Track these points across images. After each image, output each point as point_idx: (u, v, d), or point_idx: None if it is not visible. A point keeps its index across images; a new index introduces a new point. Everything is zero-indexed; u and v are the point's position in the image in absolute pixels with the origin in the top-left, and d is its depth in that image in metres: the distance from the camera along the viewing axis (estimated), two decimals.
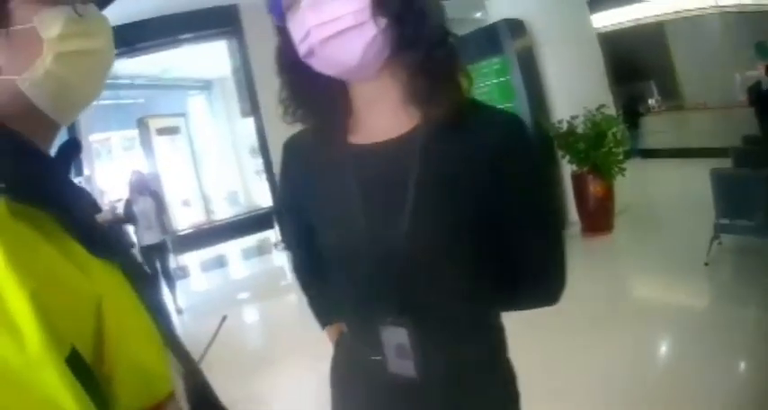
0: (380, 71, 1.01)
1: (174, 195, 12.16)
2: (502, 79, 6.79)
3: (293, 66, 1.04)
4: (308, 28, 0.94)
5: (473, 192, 1.00)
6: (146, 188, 6.91)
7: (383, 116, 1.05)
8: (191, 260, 10.21)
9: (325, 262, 1.17)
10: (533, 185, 1.06)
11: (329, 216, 1.11)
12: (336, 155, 1.08)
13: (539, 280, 1.11)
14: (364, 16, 0.93)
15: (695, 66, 11.35)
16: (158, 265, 6.83)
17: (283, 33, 1.03)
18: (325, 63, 0.98)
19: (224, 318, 2.06)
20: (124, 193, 7.04)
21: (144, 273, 0.83)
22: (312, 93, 1.07)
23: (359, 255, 1.04)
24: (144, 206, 6.69)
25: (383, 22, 0.94)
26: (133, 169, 7.35)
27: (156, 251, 6.81)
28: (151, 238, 6.73)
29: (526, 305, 1.18)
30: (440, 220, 1.00)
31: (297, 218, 1.26)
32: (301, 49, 0.98)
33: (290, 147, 1.22)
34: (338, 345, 1.28)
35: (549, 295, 1.13)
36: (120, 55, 7.86)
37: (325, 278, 1.21)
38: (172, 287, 7.06)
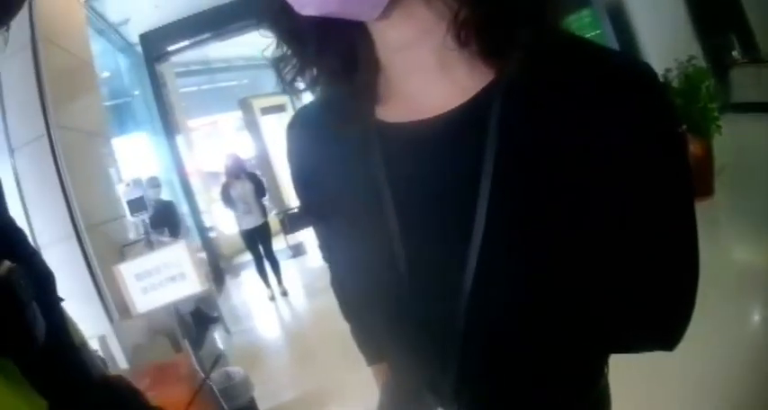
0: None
1: (285, 173, 12.23)
2: (594, 33, 6.51)
3: (284, 7, 0.60)
4: None
5: (591, 205, 0.58)
6: (242, 171, 6.74)
7: (427, 74, 0.64)
8: (307, 236, 10.04)
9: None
10: (672, 179, 0.62)
11: (348, 239, 0.75)
12: (356, 141, 0.70)
13: (661, 320, 0.70)
14: None
15: (762, 17, 10.60)
16: (261, 249, 6.74)
17: None
18: None
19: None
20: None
21: None
22: (318, 44, 0.66)
23: (393, 313, 0.70)
24: (242, 190, 6.56)
25: None
26: (228, 153, 7.08)
27: (258, 234, 6.68)
28: (251, 222, 6.61)
29: (635, 352, 0.76)
30: (532, 262, 0.60)
31: (319, 224, 0.87)
32: None
33: (294, 129, 0.83)
34: (386, 391, 0.95)
35: (675, 336, 0.70)
36: (210, 39, 8.03)
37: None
38: (276, 270, 6.84)
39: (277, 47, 0.67)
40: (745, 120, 9.48)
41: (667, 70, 5.66)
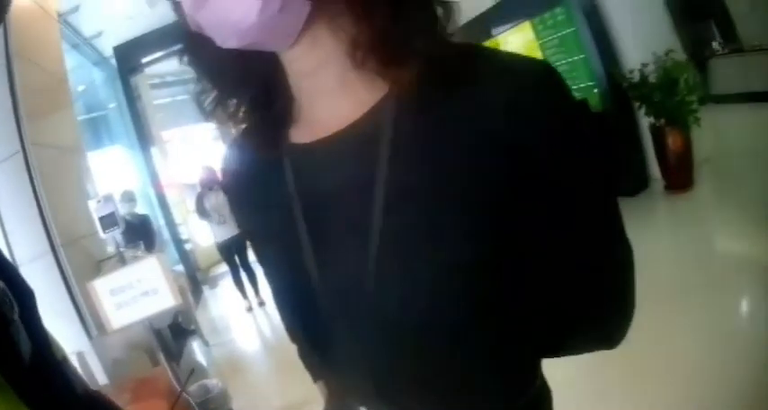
0: (312, 23, 0.63)
1: None
2: (569, 30, 6.34)
3: (199, 42, 0.66)
4: None
5: (484, 201, 0.61)
6: (215, 182, 6.63)
7: (330, 95, 0.68)
8: None
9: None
10: (587, 178, 0.65)
11: (270, 257, 0.80)
12: (273, 164, 0.75)
13: (595, 319, 0.73)
14: None
15: (746, 5, 10.65)
16: (237, 260, 6.74)
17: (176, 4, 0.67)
18: (216, 33, 0.62)
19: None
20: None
21: None
22: (235, 77, 0.72)
23: (311, 313, 0.72)
24: (215, 201, 6.53)
25: None
26: (203, 165, 7.07)
27: (233, 245, 6.64)
28: (226, 233, 6.58)
29: (574, 353, 0.79)
30: (427, 261, 0.62)
31: (256, 251, 0.90)
32: (189, 21, 0.64)
33: (228, 155, 0.87)
34: (327, 406, 0.98)
35: (613, 336, 0.75)
36: (179, 52, 8.03)
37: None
38: (253, 280, 6.81)
39: (197, 81, 0.73)
40: (725, 111, 9.68)
41: (644, 65, 5.67)
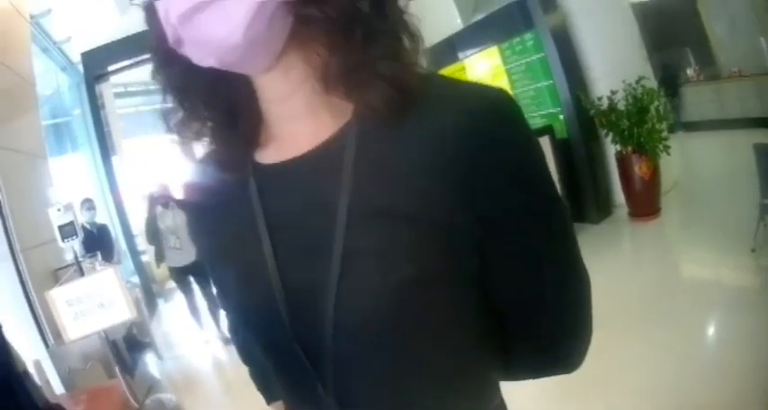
0: (286, 52, 0.67)
1: None
2: (537, 56, 6.37)
3: (170, 61, 0.69)
4: (165, 2, 0.62)
5: (436, 225, 0.64)
6: (170, 199, 5.65)
7: (299, 119, 0.71)
8: None
9: None
10: (537, 205, 0.68)
11: (230, 274, 0.79)
12: (239, 184, 0.76)
13: (550, 345, 0.77)
14: None
15: (724, 32, 10.94)
16: (196, 289, 5.81)
17: (150, 18, 0.68)
18: (197, 49, 0.64)
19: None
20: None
21: None
22: (204, 98, 0.74)
23: (274, 332, 0.73)
24: (172, 222, 5.55)
25: None
26: (158, 181, 5.98)
27: (192, 272, 5.66)
28: (183, 259, 5.57)
29: (531, 376, 0.83)
30: (386, 276, 0.64)
31: (213, 272, 0.89)
32: (168, 35, 0.64)
33: (193, 174, 0.88)
34: None
35: (567, 361, 0.78)
36: (149, 60, 7.97)
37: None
38: (215, 313, 5.74)
39: (163, 100, 0.73)
40: (696, 138, 9.77)
41: (613, 92, 5.73)
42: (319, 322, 0.67)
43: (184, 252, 5.50)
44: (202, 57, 0.64)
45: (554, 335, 0.75)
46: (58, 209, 3.70)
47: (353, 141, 0.66)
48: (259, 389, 1.07)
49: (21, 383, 1.10)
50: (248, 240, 0.73)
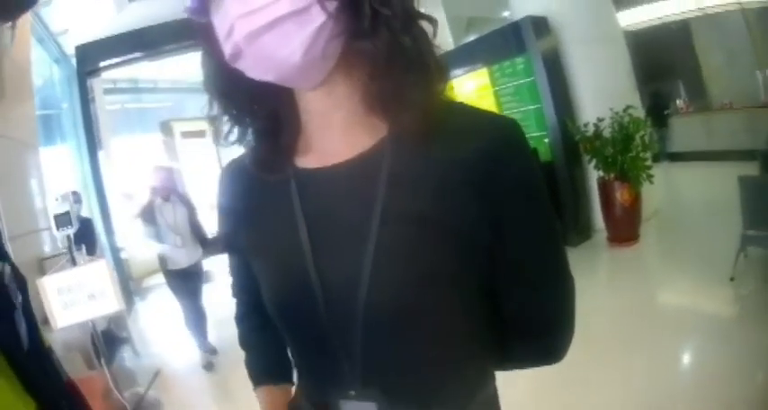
0: (332, 73, 0.79)
1: (200, 199, 11.93)
2: (527, 80, 6.55)
3: (223, 73, 0.82)
4: (231, 21, 0.72)
5: (456, 229, 0.77)
6: (174, 191, 5.11)
7: (339, 132, 0.84)
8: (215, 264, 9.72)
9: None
10: (538, 216, 0.83)
11: (269, 264, 0.89)
12: (278, 185, 0.87)
13: (541, 337, 0.90)
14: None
15: (719, 64, 11.18)
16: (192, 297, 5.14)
17: (206, 33, 0.80)
18: (258, 66, 0.76)
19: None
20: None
21: None
22: (249, 107, 0.87)
23: (307, 315, 0.83)
24: (173, 218, 4.95)
25: (332, 4, 0.71)
26: (158, 165, 5.32)
27: (191, 277, 5.06)
28: (183, 259, 4.98)
29: (522, 366, 0.98)
30: (412, 269, 0.77)
31: (238, 261, 1.05)
32: (226, 50, 0.76)
33: (227, 174, 1.00)
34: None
35: (554, 352, 0.92)
36: (141, 58, 8.00)
37: (271, 336, 1.03)
38: (202, 326, 5.23)
39: (210, 108, 0.87)
40: (680, 168, 10.09)
41: (600, 119, 5.87)
42: (351, 309, 0.78)
43: (187, 251, 4.99)
44: (261, 72, 0.77)
45: (547, 328, 0.89)
46: (56, 199, 3.73)
47: (390, 154, 0.79)
48: (251, 375, 1.13)
49: (49, 358, 1.15)
50: (288, 235, 0.84)
